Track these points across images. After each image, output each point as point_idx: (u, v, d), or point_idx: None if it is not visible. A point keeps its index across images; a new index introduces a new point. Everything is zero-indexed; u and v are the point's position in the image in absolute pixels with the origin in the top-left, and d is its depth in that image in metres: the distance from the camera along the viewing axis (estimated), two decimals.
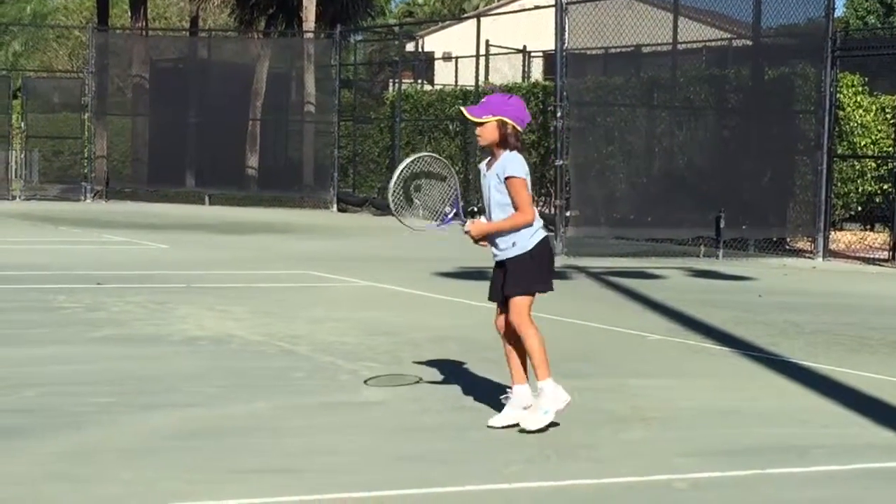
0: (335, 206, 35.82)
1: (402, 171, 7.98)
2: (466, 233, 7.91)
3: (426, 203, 8.06)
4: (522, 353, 7.89)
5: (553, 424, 7.75)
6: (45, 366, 9.76)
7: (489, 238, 7.90)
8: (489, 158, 7.98)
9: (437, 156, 8.19)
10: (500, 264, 7.90)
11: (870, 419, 8.51)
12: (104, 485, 6.35)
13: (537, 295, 7.90)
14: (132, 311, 12.85)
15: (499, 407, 8.12)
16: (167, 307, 13.21)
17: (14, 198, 37.60)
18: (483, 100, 8.01)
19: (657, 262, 20.36)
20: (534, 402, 7.80)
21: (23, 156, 39.55)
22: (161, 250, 20.74)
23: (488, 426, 7.84)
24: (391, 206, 8.03)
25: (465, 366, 9.97)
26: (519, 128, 7.85)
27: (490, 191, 7.86)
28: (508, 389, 8.02)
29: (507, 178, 7.76)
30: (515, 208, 7.79)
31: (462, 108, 8.11)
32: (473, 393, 9.00)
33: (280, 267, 18.31)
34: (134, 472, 6.59)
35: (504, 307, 7.88)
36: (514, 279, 7.81)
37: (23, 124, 40.37)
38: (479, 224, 7.89)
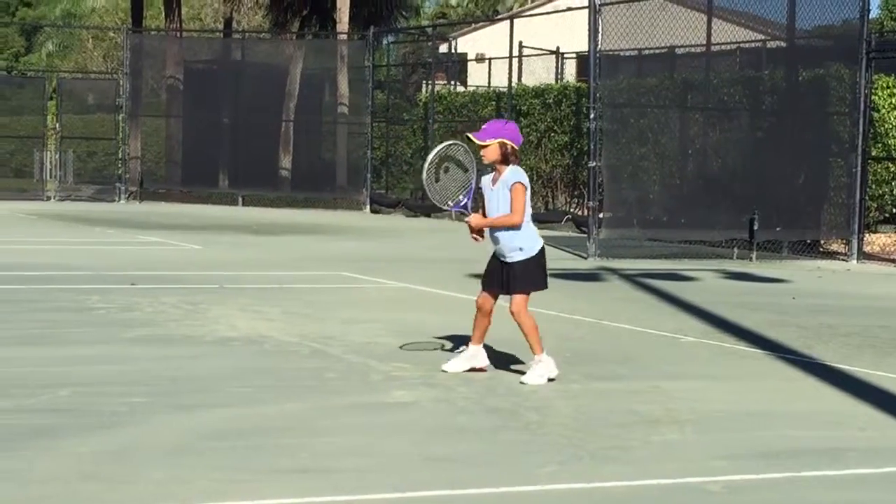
0: (368, 207, 35.86)
1: (440, 150, 9.57)
2: (466, 221, 9.48)
3: (448, 185, 9.56)
4: (487, 326, 9.64)
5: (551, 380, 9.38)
6: (79, 366, 9.80)
7: (496, 243, 9.45)
8: (493, 174, 9.50)
9: (468, 148, 9.62)
10: (505, 263, 9.46)
11: None
12: (138, 484, 6.37)
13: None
14: (165, 312, 12.89)
15: (530, 409, 8.28)
16: (200, 308, 13.25)
17: (49, 198, 37.81)
18: (484, 126, 9.53)
19: (690, 264, 20.30)
20: (534, 367, 9.42)
21: (57, 156, 39.71)
22: (194, 251, 20.80)
23: (442, 370, 9.66)
24: (424, 178, 9.50)
25: (497, 367, 9.96)
26: (516, 146, 9.39)
27: (498, 202, 9.40)
28: (464, 346, 9.90)
29: (512, 185, 9.32)
30: (511, 211, 9.33)
31: (469, 135, 9.54)
32: (505, 394, 9.00)
33: (313, 268, 18.34)
34: (167, 471, 6.61)
35: (496, 295, 9.59)
36: (521, 279, 9.41)
37: (57, 125, 40.58)
38: (478, 217, 9.47)
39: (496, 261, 9.56)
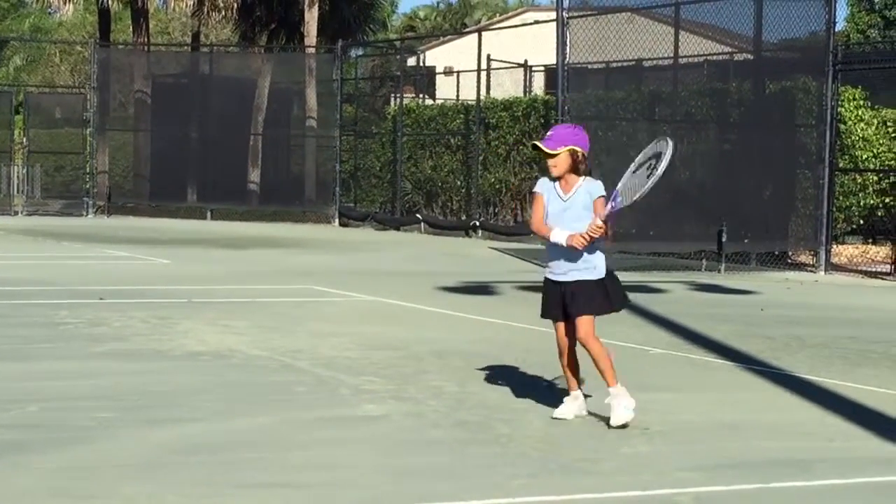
0: (337, 220, 35.83)
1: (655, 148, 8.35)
2: (599, 225, 8.28)
3: (637, 179, 8.36)
4: (573, 364, 8.60)
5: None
6: (48, 381, 9.76)
7: (560, 255, 8.43)
8: (557, 183, 8.46)
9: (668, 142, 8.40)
10: (564, 283, 8.42)
11: (872, 433, 8.50)
12: (107, 500, 6.35)
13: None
14: (134, 327, 12.85)
15: (500, 422, 8.36)
16: (169, 322, 13.21)
17: (16, 213, 37.63)
18: (550, 133, 8.51)
19: (659, 276, 20.36)
20: (613, 403, 8.42)
21: (25, 171, 39.52)
22: (163, 265, 20.74)
23: (552, 417, 8.55)
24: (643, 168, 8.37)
25: (466, 380, 9.96)
26: (586, 153, 8.41)
27: (573, 218, 8.34)
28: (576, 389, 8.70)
29: (598, 198, 8.35)
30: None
31: (537, 143, 8.53)
32: (475, 407, 9.00)
33: (282, 281, 18.30)
34: (136, 486, 6.59)
35: (569, 322, 8.47)
36: (583, 300, 8.39)
37: (25, 139, 40.42)
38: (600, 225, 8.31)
39: (551, 286, 8.55)
